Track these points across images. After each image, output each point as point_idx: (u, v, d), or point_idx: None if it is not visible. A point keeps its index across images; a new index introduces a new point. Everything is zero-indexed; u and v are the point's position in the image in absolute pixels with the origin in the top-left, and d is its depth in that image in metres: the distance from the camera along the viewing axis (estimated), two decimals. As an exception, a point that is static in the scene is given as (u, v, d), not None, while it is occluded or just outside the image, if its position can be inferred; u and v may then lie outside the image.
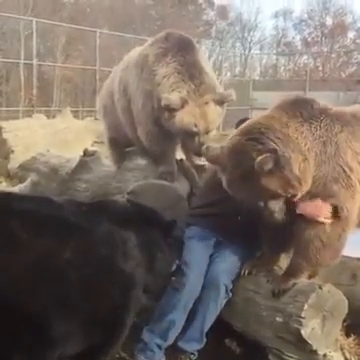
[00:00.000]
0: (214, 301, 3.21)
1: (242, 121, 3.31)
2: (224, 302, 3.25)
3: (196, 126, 4.02)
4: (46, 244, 2.34)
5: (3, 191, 4.06)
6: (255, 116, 3.10)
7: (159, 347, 3.19)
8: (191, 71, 4.12)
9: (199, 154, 3.97)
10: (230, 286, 3.26)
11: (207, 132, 4.11)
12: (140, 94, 4.35)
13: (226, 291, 3.23)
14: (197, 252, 3.33)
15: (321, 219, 2.92)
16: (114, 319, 2.54)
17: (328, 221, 2.92)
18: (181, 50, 4.22)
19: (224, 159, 2.84)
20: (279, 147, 2.69)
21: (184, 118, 4.02)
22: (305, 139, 2.84)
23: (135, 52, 4.75)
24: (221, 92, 4.20)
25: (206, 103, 4.08)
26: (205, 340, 3.27)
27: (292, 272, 3.07)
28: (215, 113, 4.15)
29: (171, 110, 4.01)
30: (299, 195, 2.82)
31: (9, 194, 2.86)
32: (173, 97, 3.99)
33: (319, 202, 2.90)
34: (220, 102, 4.16)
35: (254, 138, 2.75)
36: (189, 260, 3.24)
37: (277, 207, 2.81)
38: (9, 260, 2.23)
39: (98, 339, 2.50)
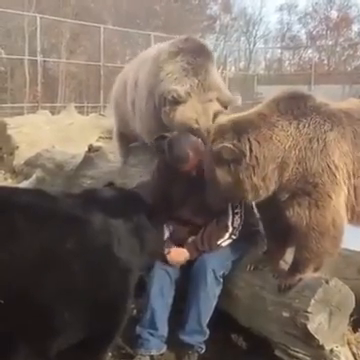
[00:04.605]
0: (204, 289, 3.20)
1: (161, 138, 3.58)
2: (218, 290, 3.25)
3: (197, 122, 3.89)
4: (49, 235, 2.39)
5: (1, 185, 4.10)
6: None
7: (152, 335, 3.25)
8: (197, 70, 4.04)
9: None
10: (220, 272, 3.24)
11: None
12: (145, 89, 4.34)
13: (215, 277, 3.22)
14: None
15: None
16: (115, 305, 2.60)
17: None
18: (193, 52, 4.14)
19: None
20: (253, 149, 2.84)
21: (186, 113, 3.90)
22: (288, 138, 2.88)
23: (153, 48, 4.75)
24: (228, 94, 4.08)
25: (210, 100, 3.96)
26: (208, 332, 3.27)
27: (297, 266, 3.05)
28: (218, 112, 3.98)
29: (173, 104, 3.90)
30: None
31: (6, 188, 2.92)
32: (179, 88, 3.88)
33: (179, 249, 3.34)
34: (225, 103, 4.03)
35: (231, 137, 2.88)
36: None
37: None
38: (15, 252, 2.28)
39: (99, 327, 2.55)
